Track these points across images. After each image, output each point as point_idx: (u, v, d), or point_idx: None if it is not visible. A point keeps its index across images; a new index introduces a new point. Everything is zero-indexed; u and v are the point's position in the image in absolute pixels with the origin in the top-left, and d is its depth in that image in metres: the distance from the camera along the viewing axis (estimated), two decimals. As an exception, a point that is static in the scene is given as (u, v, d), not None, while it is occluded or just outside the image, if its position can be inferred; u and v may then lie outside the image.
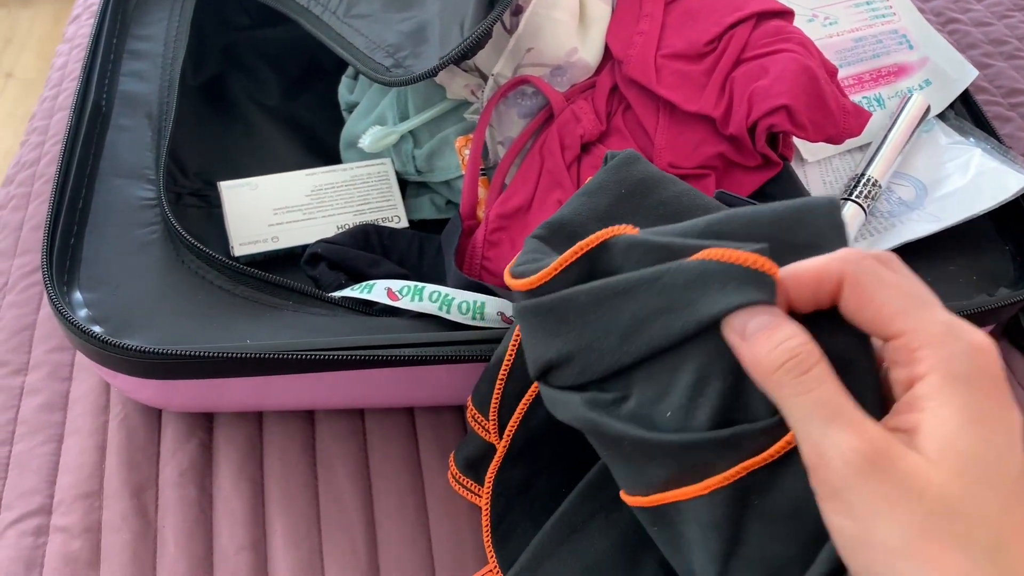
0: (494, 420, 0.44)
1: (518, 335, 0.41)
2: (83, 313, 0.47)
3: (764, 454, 0.29)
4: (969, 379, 0.26)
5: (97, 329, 0.46)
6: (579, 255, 0.34)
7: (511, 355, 0.42)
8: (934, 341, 0.27)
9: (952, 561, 0.25)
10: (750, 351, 0.28)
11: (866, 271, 0.28)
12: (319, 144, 0.65)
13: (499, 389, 0.43)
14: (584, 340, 0.33)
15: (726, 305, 0.29)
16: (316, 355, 0.45)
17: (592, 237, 0.34)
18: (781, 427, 0.29)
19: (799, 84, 0.49)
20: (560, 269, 0.34)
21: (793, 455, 0.29)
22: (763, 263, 0.29)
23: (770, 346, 0.27)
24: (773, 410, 0.29)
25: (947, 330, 0.27)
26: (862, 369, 0.30)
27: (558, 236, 0.39)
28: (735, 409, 0.30)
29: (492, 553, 0.45)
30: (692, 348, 0.31)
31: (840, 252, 0.29)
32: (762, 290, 0.28)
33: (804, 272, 0.28)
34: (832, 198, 0.31)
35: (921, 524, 0.25)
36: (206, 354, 0.44)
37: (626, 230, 0.34)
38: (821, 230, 0.31)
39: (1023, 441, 0.26)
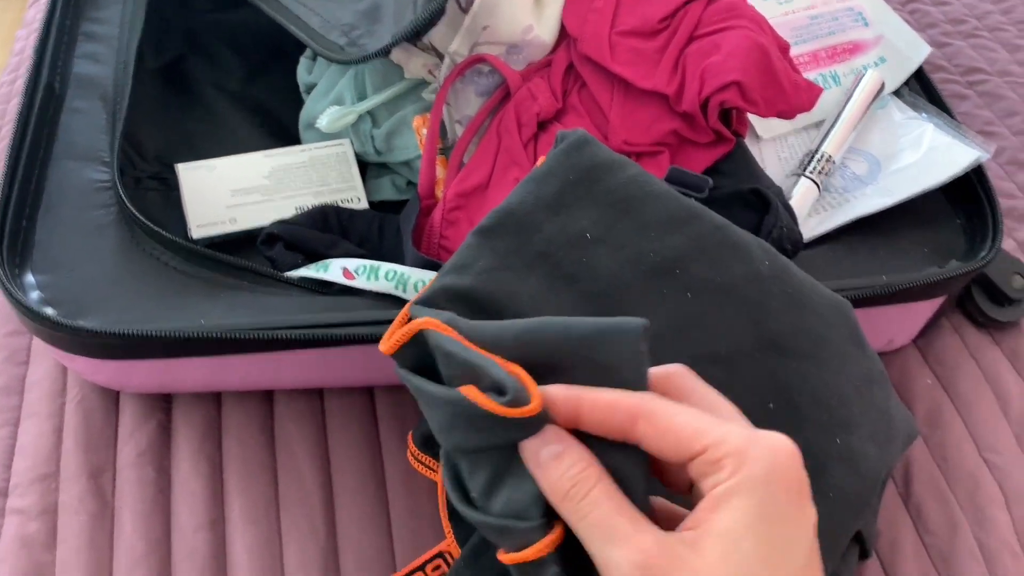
0: None
1: None
2: (35, 295, 0.47)
3: (527, 550, 0.30)
4: (767, 480, 0.27)
5: (50, 311, 0.45)
6: (400, 344, 0.34)
7: None
8: (733, 450, 0.28)
9: None
10: (544, 478, 0.29)
11: (658, 404, 0.29)
12: (280, 127, 0.64)
13: None
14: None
15: (511, 439, 0.30)
16: (272, 334, 0.45)
17: (406, 328, 0.34)
18: (544, 529, 0.30)
19: (751, 60, 0.50)
20: (395, 350, 0.34)
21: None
22: (519, 412, 0.29)
23: (557, 474, 0.29)
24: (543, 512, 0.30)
25: (747, 438, 0.28)
26: (639, 479, 0.30)
27: (505, 227, 0.39)
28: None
29: (449, 527, 0.45)
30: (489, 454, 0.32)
31: (636, 394, 0.30)
32: (527, 429, 0.30)
33: (598, 399, 0.30)
34: (639, 323, 0.31)
35: None
36: (161, 334, 0.44)
37: (434, 324, 0.33)
38: (621, 354, 0.32)
39: (814, 536, 0.28)
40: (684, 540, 0.27)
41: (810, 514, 0.28)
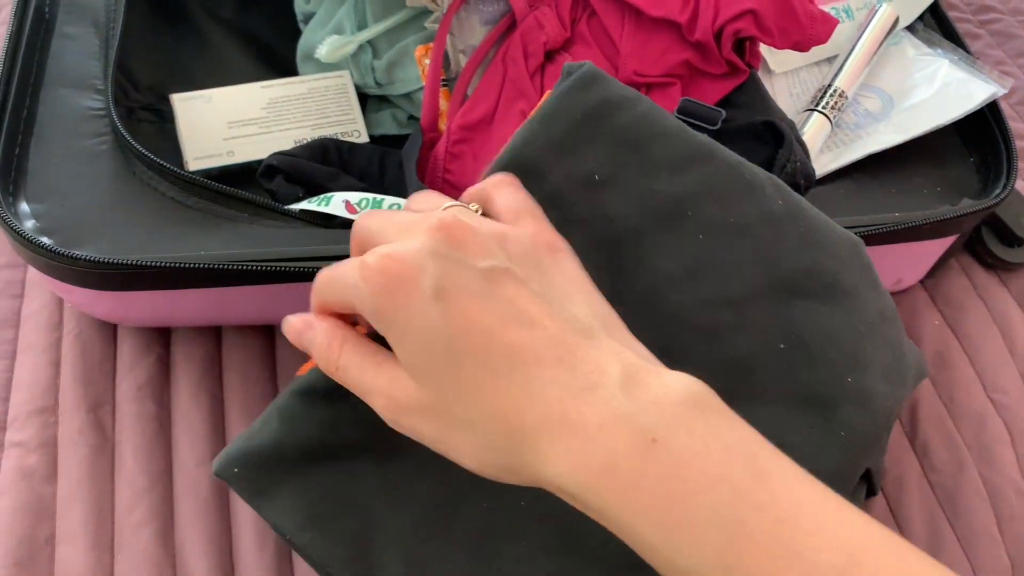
0: None
1: None
2: (31, 224, 0.45)
3: None
4: (373, 302, 0.30)
5: (46, 240, 0.44)
6: None
7: None
8: (354, 294, 0.31)
9: (460, 444, 0.30)
10: (313, 356, 0.34)
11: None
12: (276, 58, 0.63)
13: None
14: None
15: None
16: (274, 266, 0.44)
17: None
18: None
19: (766, -12, 0.48)
20: None
21: None
22: None
23: (317, 358, 0.34)
24: None
25: (354, 281, 0.31)
26: None
27: (513, 172, 0.38)
28: None
29: None
30: None
31: None
32: None
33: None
34: None
35: (434, 430, 0.30)
36: (160, 263, 0.43)
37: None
38: None
39: (432, 316, 0.29)
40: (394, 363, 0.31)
41: (417, 288, 0.29)
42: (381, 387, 0.31)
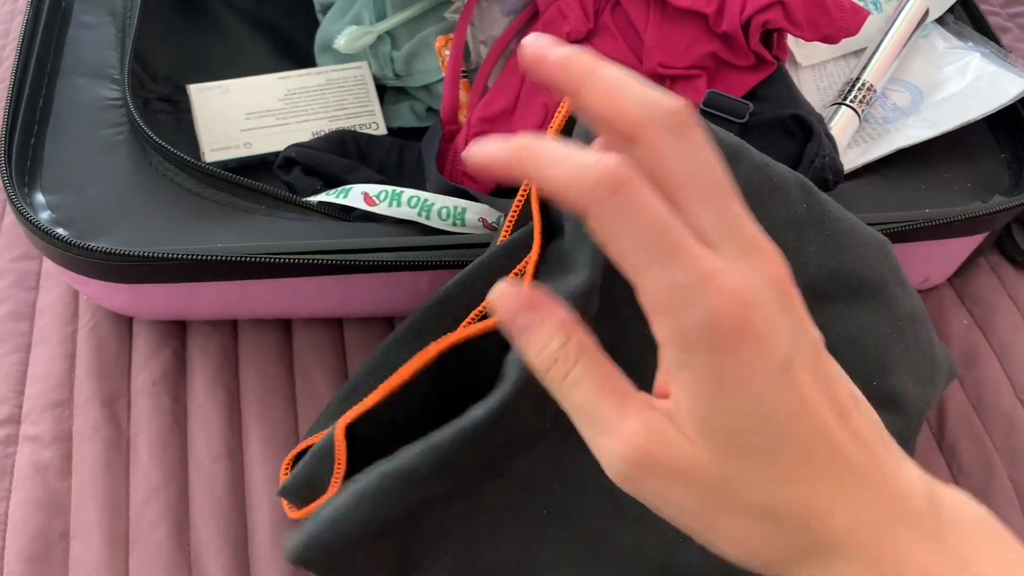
0: None
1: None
2: (46, 215, 0.45)
3: None
4: (712, 347, 0.23)
5: (62, 232, 0.44)
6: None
7: None
8: (660, 308, 0.23)
9: (732, 528, 0.25)
10: (526, 353, 0.26)
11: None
12: (294, 48, 0.62)
13: None
14: None
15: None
16: (290, 259, 0.43)
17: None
18: None
19: (795, -21, 0.47)
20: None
21: None
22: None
23: (536, 350, 0.26)
24: None
25: (681, 293, 0.23)
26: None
27: None
28: None
29: None
30: None
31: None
32: None
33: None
34: None
35: (697, 504, 0.25)
36: (177, 255, 0.42)
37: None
38: None
39: (775, 390, 0.24)
40: (667, 415, 0.25)
41: (770, 351, 0.23)
42: (628, 431, 0.25)
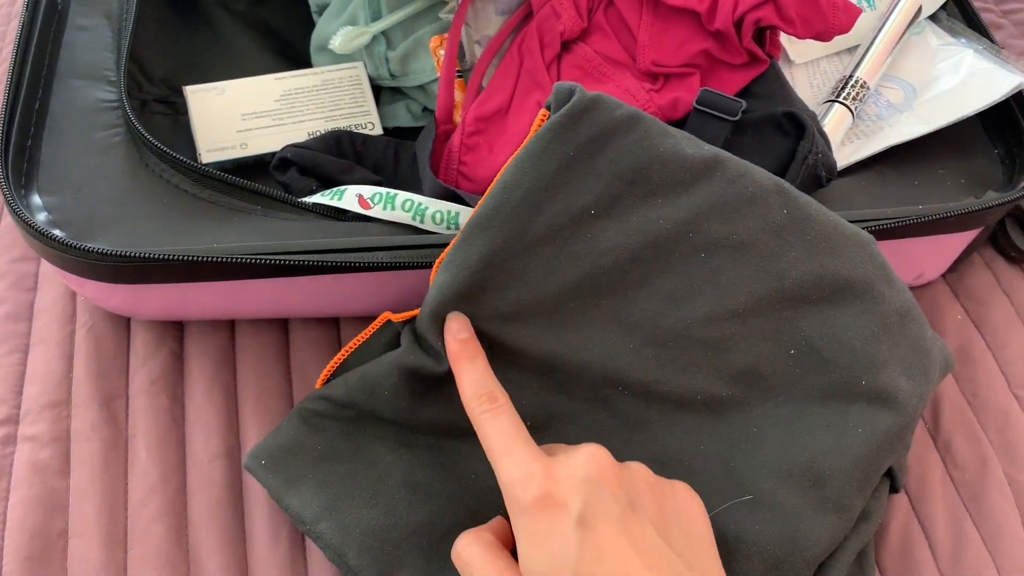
0: None
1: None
2: (43, 217, 0.45)
3: None
4: (525, 515, 0.33)
5: (59, 233, 0.44)
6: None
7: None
8: (505, 485, 0.34)
9: None
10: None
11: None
12: (290, 50, 0.62)
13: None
14: None
15: None
16: (287, 259, 0.43)
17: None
18: None
19: (787, -24, 0.47)
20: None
21: None
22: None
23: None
24: None
25: (510, 481, 0.34)
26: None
27: (499, 215, 0.38)
28: None
29: None
30: None
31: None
32: None
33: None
34: None
35: None
36: (174, 256, 0.43)
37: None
38: None
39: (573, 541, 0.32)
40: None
41: (567, 530, 0.32)
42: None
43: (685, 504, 0.36)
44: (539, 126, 0.38)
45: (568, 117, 0.38)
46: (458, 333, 0.39)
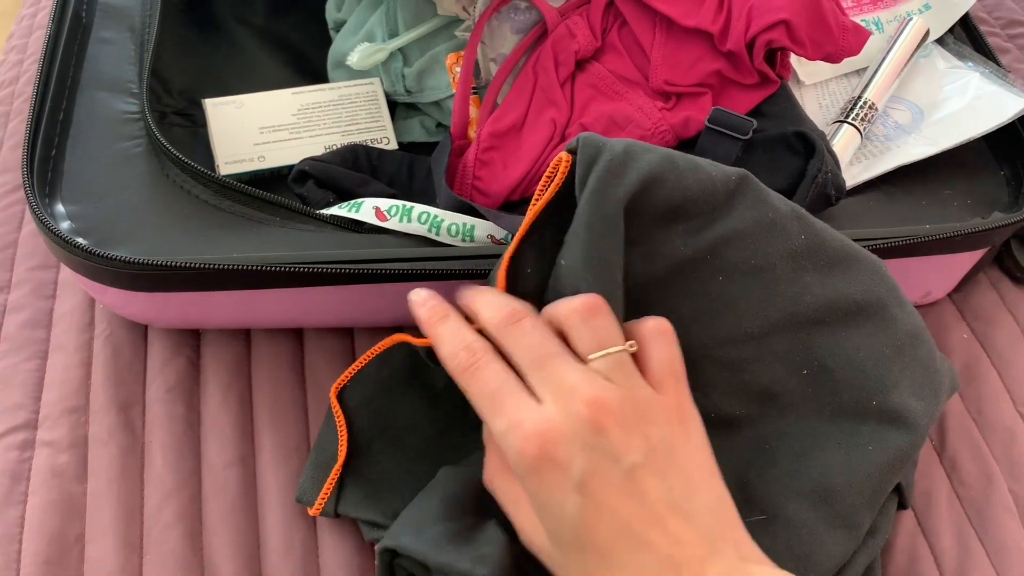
0: None
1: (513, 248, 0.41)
2: (66, 225, 0.46)
3: None
4: (522, 474, 0.33)
5: (82, 241, 0.45)
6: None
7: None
8: (500, 444, 0.34)
9: None
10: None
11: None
12: (307, 65, 0.63)
13: None
14: None
15: None
16: (304, 268, 0.44)
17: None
18: None
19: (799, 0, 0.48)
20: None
21: None
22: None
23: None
24: None
25: (501, 438, 0.33)
26: None
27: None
28: None
29: None
30: None
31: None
32: None
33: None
34: None
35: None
36: (194, 265, 0.43)
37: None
38: None
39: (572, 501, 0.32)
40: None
41: (565, 474, 0.32)
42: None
43: (692, 449, 0.35)
44: (565, 170, 0.38)
45: (608, 173, 0.37)
46: (425, 301, 0.38)
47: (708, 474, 0.35)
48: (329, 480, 0.43)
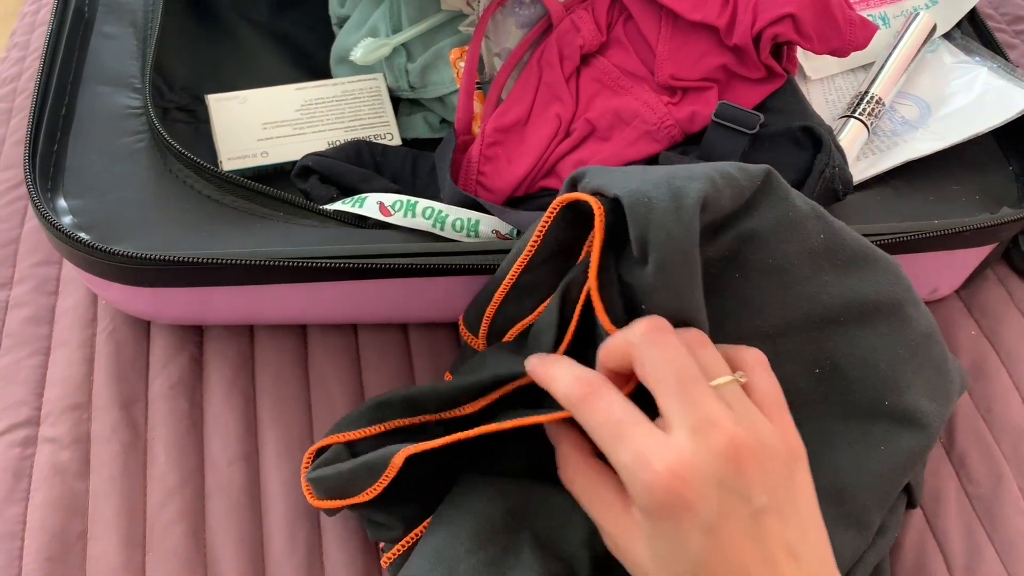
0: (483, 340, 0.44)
1: (525, 256, 0.40)
2: (68, 220, 0.46)
3: None
4: (649, 515, 0.32)
5: (84, 236, 0.44)
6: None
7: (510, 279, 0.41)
8: (622, 477, 0.32)
9: None
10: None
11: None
12: (310, 60, 0.63)
13: (491, 311, 0.43)
14: None
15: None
16: (308, 262, 0.44)
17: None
18: None
19: (806, -7, 0.48)
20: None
21: None
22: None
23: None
24: None
25: (626, 472, 0.32)
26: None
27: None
28: None
29: None
30: None
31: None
32: None
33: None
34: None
35: None
36: (197, 260, 0.43)
37: None
38: None
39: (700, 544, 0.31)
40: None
41: (696, 518, 0.31)
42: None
43: (803, 485, 0.34)
44: (601, 221, 0.37)
45: (673, 215, 0.36)
46: (536, 357, 0.37)
47: (815, 511, 0.34)
48: (330, 504, 0.42)
